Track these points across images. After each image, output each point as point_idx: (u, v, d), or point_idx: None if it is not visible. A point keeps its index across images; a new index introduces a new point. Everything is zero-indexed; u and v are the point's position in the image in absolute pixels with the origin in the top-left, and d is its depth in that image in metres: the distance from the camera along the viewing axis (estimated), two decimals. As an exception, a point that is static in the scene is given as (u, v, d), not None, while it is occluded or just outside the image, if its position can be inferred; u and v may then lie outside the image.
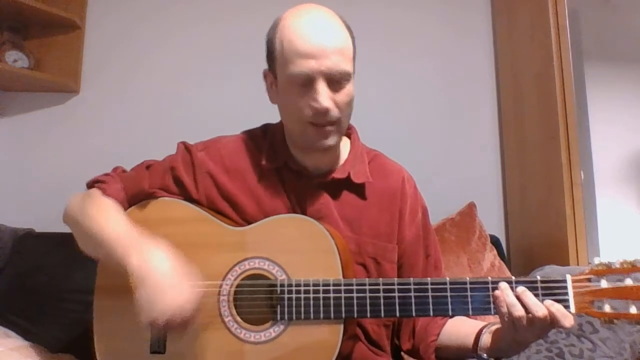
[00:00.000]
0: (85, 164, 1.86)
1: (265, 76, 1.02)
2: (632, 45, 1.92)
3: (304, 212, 1.00)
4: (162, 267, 0.84)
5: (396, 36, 2.04)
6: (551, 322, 0.81)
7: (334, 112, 0.92)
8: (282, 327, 0.91)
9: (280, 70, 0.94)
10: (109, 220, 0.94)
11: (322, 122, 0.93)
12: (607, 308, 0.81)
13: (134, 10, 2.01)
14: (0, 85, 1.90)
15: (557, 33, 1.60)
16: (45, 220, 1.54)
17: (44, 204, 1.80)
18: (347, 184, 1.03)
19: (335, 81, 0.91)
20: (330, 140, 0.95)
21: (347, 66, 0.91)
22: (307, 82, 0.90)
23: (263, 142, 1.07)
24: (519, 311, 0.81)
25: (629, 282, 0.80)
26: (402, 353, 1.10)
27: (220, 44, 2.00)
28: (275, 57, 0.95)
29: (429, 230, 1.12)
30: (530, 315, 0.81)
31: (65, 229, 1.04)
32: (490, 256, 1.70)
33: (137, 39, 2.00)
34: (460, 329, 1.01)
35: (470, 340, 0.95)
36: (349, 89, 0.93)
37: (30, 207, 1.85)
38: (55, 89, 1.94)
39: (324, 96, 0.90)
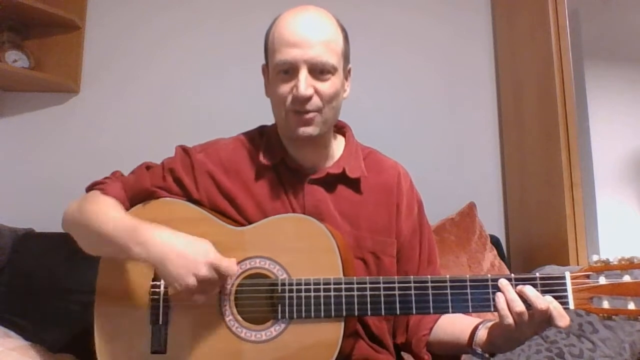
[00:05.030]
0: (85, 164, 1.87)
1: (263, 71, 1.06)
2: (632, 45, 1.91)
3: (301, 209, 1.01)
4: (178, 238, 0.90)
5: (396, 36, 2.04)
6: (549, 318, 0.81)
7: (315, 100, 0.94)
8: (282, 326, 0.91)
9: (270, 61, 0.99)
10: (109, 214, 0.95)
11: (303, 110, 0.95)
12: (605, 304, 0.81)
13: (134, 10, 2.01)
14: (0, 85, 1.90)
15: (557, 33, 1.60)
16: (45, 220, 1.54)
17: (44, 204, 1.80)
18: (343, 179, 1.04)
19: (319, 71, 0.94)
20: (312, 129, 0.97)
21: (331, 58, 0.94)
22: (291, 70, 0.94)
23: (260, 142, 1.08)
24: (519, 306, 0.82)
25: (626, 278, 0.80)
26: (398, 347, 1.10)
27: (220, 44, 2.00)
28: (267, 49, 1.00)
29: (424, 224, 1.13)
30: (530, 310, 0.81)
31: (65, 228, 1.04)
32: (490, 256, 1.70)
33: (137, 39, 2.00)
34: (455, 324, 1.01)
35: (465, 336, 0.96)
36: (334, 81, 0.96)
37: (30, 207, 1.85)
38: (55, 89, 1.94)
39: (304, 84, 0.92)
